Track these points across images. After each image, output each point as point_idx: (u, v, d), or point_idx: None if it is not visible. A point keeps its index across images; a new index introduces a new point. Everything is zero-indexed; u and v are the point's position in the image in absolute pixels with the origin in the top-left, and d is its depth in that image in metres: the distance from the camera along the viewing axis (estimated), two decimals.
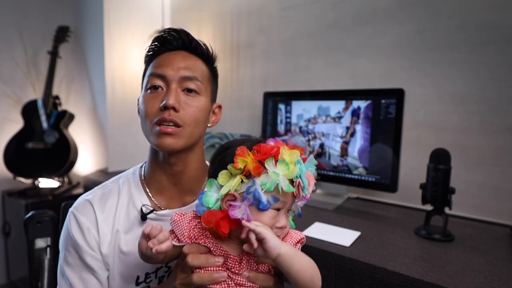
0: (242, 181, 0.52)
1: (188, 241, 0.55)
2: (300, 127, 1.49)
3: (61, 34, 2.19)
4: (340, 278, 0.92)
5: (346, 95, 1.36)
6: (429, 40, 1.33)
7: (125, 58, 2.14)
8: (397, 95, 1.21)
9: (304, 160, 0.55)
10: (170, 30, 0.69)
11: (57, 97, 2.22)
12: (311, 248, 0.98)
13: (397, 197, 1.40)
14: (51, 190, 2.12)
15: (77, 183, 2.27)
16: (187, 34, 0.70)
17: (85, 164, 2.44)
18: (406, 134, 1.29)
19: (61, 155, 2.12)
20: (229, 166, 0.53)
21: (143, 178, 0.74)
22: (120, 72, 2.12)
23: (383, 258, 0.89)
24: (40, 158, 2.08)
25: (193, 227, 0.56)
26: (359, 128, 1.32)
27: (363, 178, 1.32)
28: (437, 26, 1.31)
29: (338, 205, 1.38)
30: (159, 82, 0.66)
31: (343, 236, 1.03)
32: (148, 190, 0.72)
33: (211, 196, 0.54)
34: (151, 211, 0.69)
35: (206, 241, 0.55)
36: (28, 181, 2.15)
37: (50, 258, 0.79)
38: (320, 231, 1.08)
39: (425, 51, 1.34)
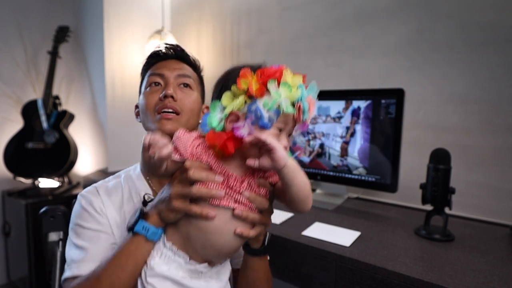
0: (245, 102, 0.54)
1: (190, 158, 0.57)
2: None
3: (61, 34, 2.19)
4: (340, 278, 0.92)
5: (346, 95, 1.36)
6: (429, 40, 1.33)
7: (125, 58, 2.14)
8: (397, 95, 1.21)
9: (306, 86, 0.56)
10: (166, 45, 0.82)
11: (57, 97, 2.22)
12: (311, 248, 0.98)
13: (397, 197, 1.40)
14: (51, 190, 2.12)
15: (77, 183, 2.27)
16: (180, 48, 0.83)
17: (85, 164, 2.44)
18: (406, 134, 1.29)
19: (61, 155, 2.12)
20: (232, 87, 0.55)
21: (142, 172, 0.80)
22: (120, 72, 2.12)
23: (383, 258, 0.89)
24: (40, 158, 2.08)
25: (196, 145, 0.57)
26: (359, 128, 1.32)
27: (363, 178, 1.32)
28: (437, 26, 1.31)
29: (338, 205, 1.38)
30: (158, 79, 0.77)
31: (343, 236, 1.03)
32: (150, 181, 0.78)
33: (215, 116, 0.56)
34: (152, 200, 0.73)
35: (209, 159, 0.56)
36: (28, 181, 2.15)
37: (62, 251, 0.83)
38: (320, 231, 1.08)
39: (425, 51, 1.34)
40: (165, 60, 0.80)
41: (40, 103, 2.10)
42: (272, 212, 0.63)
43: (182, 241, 0.59)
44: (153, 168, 0.57)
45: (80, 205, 0.73)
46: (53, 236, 0.86)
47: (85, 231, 0.70)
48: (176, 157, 0.57)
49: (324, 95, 1.44)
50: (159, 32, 2.07)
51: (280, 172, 0.53)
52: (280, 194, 0.60)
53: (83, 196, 0.74)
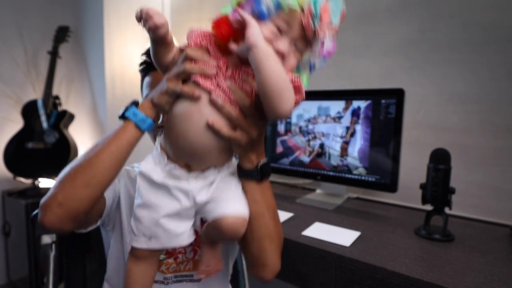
0: None
1: (192, 46, 0.57)
2: (300, 127, 1.49)
3: (61, 34, 2.19)
4: (340, 278, 0.92)
5: (346, 95, 1.36)
6: (429, 40, 1.33)
7: (125, 58, 2.14)
8: (397, 95, 1.21)
9: None
10: None
11: (57, 97, 2.22)
12: (311, 248, 0.98)
13: (397, 197, 1.39)
14: None
15: None
16: None
17: None
18: (406, 134, 1.28)
19: (61, 155, 2.11)
20: None
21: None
22: (120, 72, 2.12)
23: (383, 258, 0.89)
24: (40, 158, 2.08)
25: (202, 36, 0.57)
26: (359, 128, 1.32)
27: (363, 178, 1.32)
28: (438, 26, 1.31)
29: (338, 205, 1.38)
30: None
31: (343, 236, 1.03)
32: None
33: (227, 6, 0.55)
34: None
35: (208, 45, 0.56)
36: (28, 181, 2.15)
37: (55, 254, 0.82)
38: (320, 231, 1.08)
39: (425, 51, 1.34)
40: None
41: (40, 103, 2.10)
42: (258, 124, 0.57)
43: (166, 145, 0.60)
44: (156, 53, 0.57)
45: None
46: (46, 239, 0.84)
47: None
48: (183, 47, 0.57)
49: (324, 95, 1.44)
50: None
51: (249, 55, 0.48)
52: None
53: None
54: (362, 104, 1.31)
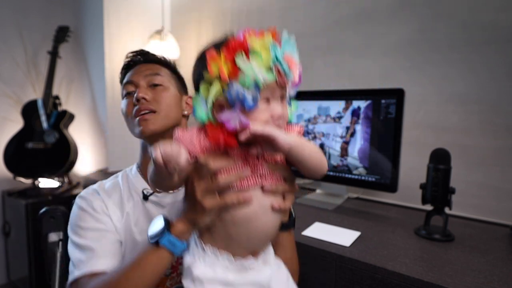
0: (222, 88, 0.50)
1: (201, 153, 0.53)
2: None
3: (61, 34, 2.19)
4: (340, 278, 0.92)
5: (346, 95, 1.36)
6: (429, 40, 1.33)
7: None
8: (397, 95, 1.21)
9: (278, 42, 0.51)
10: (131, 54, 0.83)
11: (57, 97, 2.22)
12: (311, 248, 0.98)
13: (397, 197, 1.40)
14: (51, 190, 2.11)
15: (77, 183, 2.27)
16: (143, 51, 0.83)
17: (85, 164, 2.44)
18: (406, 134, 1.28)
19: (61, 155, 2.11)
20: (205, 75, 0.51)
21: (139, 169, 0.82)
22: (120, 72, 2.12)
23: (383, 258, 0.89)
24: (40, 158, 2.08)
25: (202, 138, 0.54)
26: (359, 128, 1.32)
27: (363, 178, 1.32)
28: (438, 26, 1.31)
29: (338, 205, 1.38)
30: (130, 88, 0.78)
31: (343, 236, 1.03)
32: (144, 179, 0.80)
33: (201, 111, 0.53)
34: (151, 193, 0.76)
35: (221, 147, 0.53)
36: (28, 181, 2.14)
37: (62, 252, 0.84)
38: (320, 231, 1.08)
39: (425, 51, 1.34)
40: (135, 67, 0.82)
41: (40, 103, 2.10)
42: (294, 177, 0.60)
43: (223, 242, 0.56)
44: (163, 181, 0.54)
45: (79, 207, 0.73)
46: (53, 237, 0.86)
47: (88, 232, 0.70)
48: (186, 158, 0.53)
49: (324, 95, 1.44)
50: (159, 32, 2.07)
51: (287, 154, 0.52)
52: (293, 162, 0.57)
53: (83, 198, 0.75)
54: (362, 104, 1.31)
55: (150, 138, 0.75)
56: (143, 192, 0.76)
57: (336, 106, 1.38)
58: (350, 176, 1.36)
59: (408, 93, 1.23)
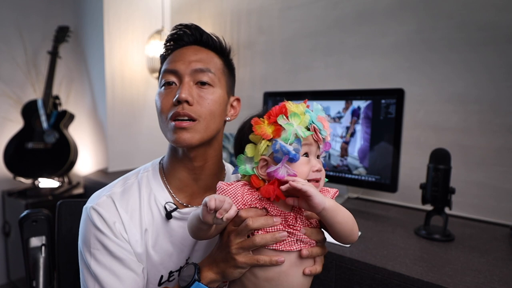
0: (267, 146, 0.56)
1: (242, 207, 0.56)
2: None
3: (61, 34, 2.19)
4: (340, 278, 0.92)
5: (346, 95, 1.36)
6: (429, 40, 1.33)
7: (125, 58, 2.14)
8: (397, 95, 1.21)
9: (308, 107, 0.59)
10: (181, 27, 0.70)
11: (57, 97, 2.22)
12: None
13: (397, 197, 1.40)
14: (51, 190, 2.12)
15: (77, 183, 2.27)
16: (197, 28, 0.70)
17: (85, 164, 2.44)
18: (406, 134, 1.29)
19: (61, 155, 2.11)
20: (250, 136, 0.57)
21: (163, 173, 0.72)
22: (120, 72, 2.12)
23: (383, 258, 0.89)
24: (40, 158, 2.08)
25: (245, 193, 0.57)
26: (359, 128, 1.32)
27: (363, 178, 1.32)
28: (437, 26, 1.31)
29: None
30: (172, 78, 0.66)
31: None
32: (169, 187, 0.70)
33: (245, 167, 0.58)
34: (174, 209, 0.68)
35: (263, 203, 0.56)
36: (28, 181, 2.15)
37: (45, 257, 0.79)
38: None
39: (425, 51, 1.34)
40: (182, 48, 0.69)
41: (40, 103, 2.10)
42: (325, 239, 0.61)
43: None
44: (201, 232, 0.56)
45: (93, 225, 0.63)
46: (35, 242, 0.79)
47: (107, 260, 0.62)
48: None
49: (324, 95, 1.44)
50: (159, 32, 2.07)
51: (320, 215, 0.55)
52: (325, 225, 0.59)
53: (97, 212, 0.64)
54: (362, 104, 1.31)
55: (184, 147, 0.67)
56: (165, 208, 0.67)
57: (336, 106, 1.38)
58: (350, 176, 1.36)
59: (408, 93, 1.23)
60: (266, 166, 0.56)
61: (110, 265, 0.62)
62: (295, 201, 0.54)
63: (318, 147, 0.59)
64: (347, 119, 1.35)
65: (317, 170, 0.57)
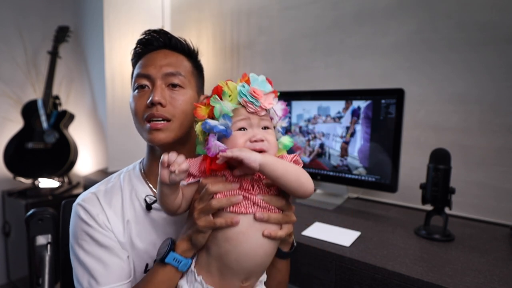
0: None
1: (203, 175, 0.59)
2: (300, 127, 1.49)
3: (61, 34, 2.19)
4: (340, 278, 0.92)
5: (346, 95, 1.36)
6: (429, 40, 1.33)
7: (125, 58, 2.14)
8: (397, 95, 1.21)
9: (248, 82, 0.60)
10: (150, 32, 0.74)
11: (57, 97, 2.22)
12: (311, 248, 0.98)
13: (397, 197, 1.40)
14: (51, 190, 2.12)
15: (77, 183, 2.27)
16: (166, 33, 0.75)
17: (85, 164, 2.44)
18: (406, 134, 1.29)
19: (61, 155, 2.12)
20: (195, 120, 0.62)
21: (143, 172, 0.77)
22: (120, 72, 2.12)
23: (383, 258, 0.89)
24: (40, 158, 2.08)
25: (201, 164, 0.60)
26: (359, 128, 1.32)
27: (363, 178, 1.32)
28: (437, 26, 1.31)
29: (338, 205, 1.38)
30: (144, 82, 0.70)
31: (343, 236, 1.03)
32: (149, 183, 0.75)
33: (198, 147, 0.63)
34: (154, 201, 0.72)
35: (223, 171, 0.58)
36: (28, 181, 2.15)
37: (51, 255, 0.80)
38: (320, 231, 1.08)
39: (425, 51, 1.34)
40: (152, 52, 0.73)
41: (40, 103, 2.10)
42: (292, 207, 0.62)
43: (215, 269, 0.59)
44: (170, 190, 0.58)
45: (79, 218, 0.68)
46: (41, 240, 0.81)
47: (95, 249, 0.66)
48: (191, 180, 0.59)
49: (324, 95, 1.44)
50: None
51: (261, 173, 0.56)
52: (273, 183, 0.60)
53: (81, 207, 0.69)
54: (362, 104, 1.31)
55: (159, 146, 0.72)
56: (145, 201, 0.72)
57: (336, 106, 1.38)
58: (350, 176, 1.36)
59: (408, 93, 1.23)
60: (206, 144, 0.59)
61: (97, 253, 0.66)
62: (240, 170, 0.56)
63: (261, 117, 0.59)
64: (347, 119, 1.35)
65: (255, 140, 0.57)
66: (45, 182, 2.16)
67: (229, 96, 0.58)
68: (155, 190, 0.74)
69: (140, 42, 0.74)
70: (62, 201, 0.88)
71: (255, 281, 0.63)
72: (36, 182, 2.14)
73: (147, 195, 0.72)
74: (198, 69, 0.78)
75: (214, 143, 0.56)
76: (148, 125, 0.68)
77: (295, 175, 0.57)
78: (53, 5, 2.32)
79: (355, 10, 1.51)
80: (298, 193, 0.58)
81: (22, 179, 2.11)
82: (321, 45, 1.63)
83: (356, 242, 1.00)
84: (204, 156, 0.60)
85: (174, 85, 0.70)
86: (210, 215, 0.57)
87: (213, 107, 0.58)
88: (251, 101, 0.57)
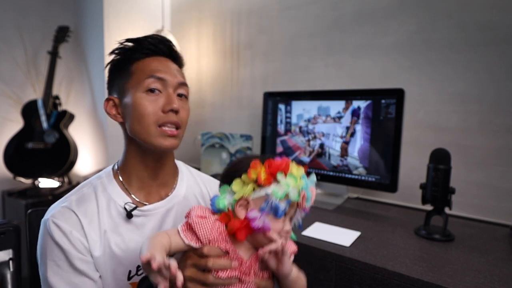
0: (253, 189, 0.58)
1: (206, 243, 0.58)
2: (300, 127, 1.49)
3: (61, 34, 2.18)
4: (340, 278, 0.92)
5: (346, 95, 1.36)
6: (429, 40, 1.33)
7: None
8: (397, 95, 1.21)
9: (307, 175, 0.61)
10: (157, 37, 0.74)
11: (57, 97, 2.22)
12: (311, 248, 0.98)
13: (397, 197, 1.40)
14: (51, 190, 2.11)
15: (77, 183, 2.27)
16: (171, 42, 0.76)
17: (85, 164, 2.44)
18: (406, 134, 1.29)
19: (61, 155, 2.11)
20: (243, 176, 0.59)
21: (119, 177, 0.74)
22: None
23: (383, 258, 0.89)
24: (40, 158, 2.08)
25: (213, 230, 0.59)
26: (359, 128, 1.32)
27: (363, 178, 1.32)
28: (437, 26, 1.31)
29: (338, 205, 1.38)
30: (158, 85, 0.69)
31: (343, 236, 1.03)
32: (127, 188, 0.73)
33: (223, 199, 0.60)
34: (134, 208, 0.70)
35: (227, 245, 0.58)
36: (28, 181, 2.14)
37: (13, 271, 0.73)
38: (320, 231, 1.08)
39: (425, 51, 1.34)
40: (154, 57, 0.72)
41: (40, 103, 2.10)
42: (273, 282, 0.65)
43: None
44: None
45: (50, 237, 0.63)
46: (2, 256, 0.72)
47: (64, 272, 0.63)
48: (193, 244, 0.58)
49: (324, 95, 1.44)
50: (159, 32, 2.07)
51: (281, 279, 0.59)
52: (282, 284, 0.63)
53: (56, 225, 0.64)
54: (362, 104, 1.31)
55: (165, 150, 0.70)
56: (125, 209, 0.69)
57: (336, 106, 1.38)
58: (350, 176, 1.36)
59: (408, 93, 1.23)
60: (246, 207, 0.58)
61: (67, 275, 0.63)
62: (266, 254, 0.56)
63: (295, 211, 0.62)
64: (347, 119, 1.35)
65: (287, 231, 0.60)
66: (45, 182, 2.16)
67: (295, 181, 0.58)
68: (134, 196, 0.72)
69: (139, 41, 0.74)
70: (28, 211, 0.81)
71: None
72: (36, 182, 2.14)
73: (126, 203, 0.70)
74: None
75: (263, 218, 0.56)
76: (159, 129, 0.67)
77: None
78: (53, 5, 2.32)
79: (355, 10, 1.51)
80: None
81: (22, 179, 2.11)
82: (321, 45, 1.63)
83: (356, 242, 1.00)
84: (223, 217, 0.59)
85: (180, 95, 0.71)
86: (201, 285, 0.57)
87: (274, 180, 0.57)
88: (307, 199, 0.59)
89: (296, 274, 0.59)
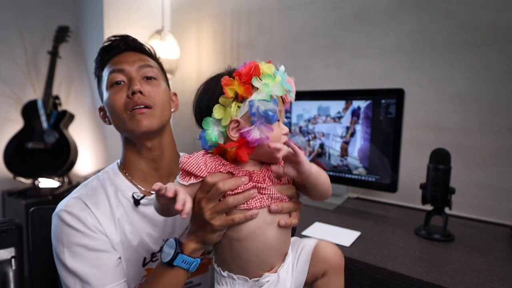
0: (238, 107, 0.54)
1: (207, 174, 0.56)
2: (300, 127, 1.49)
3: (61, 34, 2.19)
4: None
5: (346, 95, 1.36)
6: (429, 40, 1.33)
7: None
8: (397, 95, 1.21)
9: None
10: (112, 37, 0.78)
11: (57, 97, 2.22)
12: None
13: (397, 197, 1.40)
14: (51, 190, 2.12)
15: (77, 183, 2.27)
16: (128, 36, 0.79)
17: (85, 164, 2.44)
18: (406, 134, 1.29)
19: (61, 155, 2.11)
20: (220, 99, 0.55)
21: (123, 171, 0.76)
22: None
23: (383, 258, 0.89)
24: (40, 158, 2.08)
25: (208, 161, 0.56)
26: (359, 128, 1.32)
27: (363, 178, 1.32)
28: (437, 26, 1.31)
29: (338, 205, 1.38)
30: (120, 77, 0.71)
31: (343, 236, 1.03)
32: (133, 180, 0.75)
33: (212, 132, 0.56)
34: (142, 197, 0.72)
35: (227, 168, 0.56)
36: (28, 181, 2.15)
37: (16, 269, 0.73)
38: (320, 231, 1.08)
39: (425, 51, 1.34)
40: (119, 54, 0.75)
41: (40, 103, 2.10)
42: (299, 194, 0.63)
43: (235, 264, 0.59)
44: (168, 211, 0.57)
45: (67, 224, 0.65)
46: (4, 254, 0.72)
47: (85, 253, 0.64)
48: (192, 180, 0.55)
49: (324, 95, 1.44)
50: (159, 32, 2.07)
51: (305, 180, 0.56)
52: (300, 186, 0.61)
53: (69, 213, 0.66)
54: (362, 104, 1.31)
55: (143, 135, 0.70)
56: (133, 197, 0.71)
57: (336, 106, 1.38)
58: (350, 176, 1.36)
59: (408, 93, 1.23)
60: (238, 128, 0.54)
61: (88, 258, 0.64)
62: (281, 168, 0.55)
63: (283, 108, 0.60)
64: (347, 119, 1.35)
65: (286, 133, 0.59)
66: (45, 182, 2.16)
67: (272, 79, 0.56)
68: (140, 187, 0.74)
69: (104, 49, 0.76)
70: (31, 209, 0.81)
71: (279, 265, 0.61)
72: (36, 182, 2.14)
73: (134, 192, 0.72)
74: (162, 68, 0.81)
75: (260, 129, 0.53)
76: (131, 113, 0.69)
77: (329, 184, 0.60)
78: (53, 5, 2.32)
79: (355, 10, 1.51)
80: (323, 197, 0.60)
81: (22, 179, 2.11)
82: (321, 45, 1.63)
83: (356, 242, 1.00)
84: (217, 149, 0.56)
85: (148, 78, 0.72)
86: (224, 214, 0.56)
87: (252, 88, 0.54)
88: (289, 92, 0.58)
89: (316, 167, 0.57)
